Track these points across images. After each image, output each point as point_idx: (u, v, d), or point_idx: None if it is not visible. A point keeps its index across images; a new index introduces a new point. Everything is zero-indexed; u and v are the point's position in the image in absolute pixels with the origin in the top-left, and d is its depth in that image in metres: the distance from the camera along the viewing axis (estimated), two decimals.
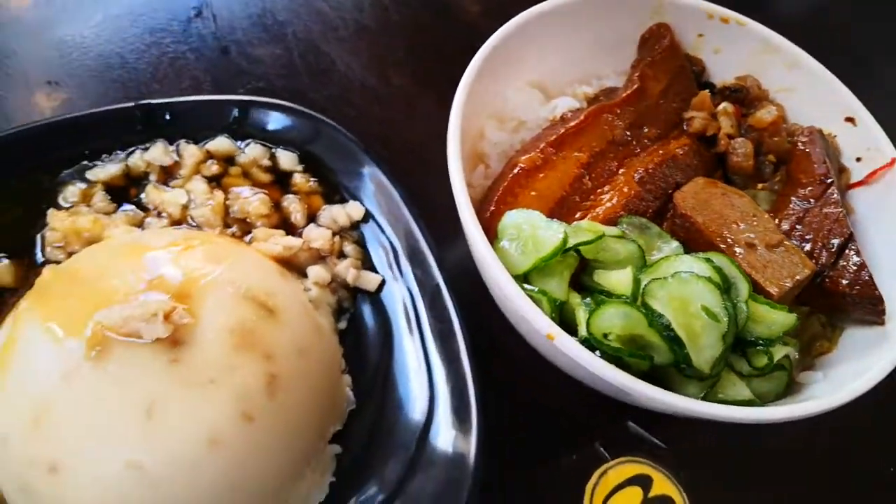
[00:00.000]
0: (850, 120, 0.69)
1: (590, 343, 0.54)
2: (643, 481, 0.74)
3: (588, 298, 0.57)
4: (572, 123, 0.65)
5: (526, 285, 0.56)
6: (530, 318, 0.53)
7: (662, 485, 0.74)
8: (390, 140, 0.84)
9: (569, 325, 0.57)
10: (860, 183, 0.69)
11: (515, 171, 0.63)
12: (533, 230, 0.57)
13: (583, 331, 0.55)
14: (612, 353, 0.54)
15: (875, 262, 0.65)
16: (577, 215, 0.62)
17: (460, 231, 0.75)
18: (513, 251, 0.58)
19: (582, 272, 0.60)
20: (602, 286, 0.57)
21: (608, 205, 0.62)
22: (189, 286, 0.60)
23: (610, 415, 0.76)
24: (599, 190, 0.64)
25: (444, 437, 0.67)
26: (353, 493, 0.65)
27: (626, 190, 0.63)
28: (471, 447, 0.65)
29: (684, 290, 0.54)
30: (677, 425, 0.76)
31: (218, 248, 0.66)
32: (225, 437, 0.57)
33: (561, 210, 0.62)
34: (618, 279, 0.56)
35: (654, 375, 0.56)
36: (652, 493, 0.73)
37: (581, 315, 0.55)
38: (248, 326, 0.61)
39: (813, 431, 0.77)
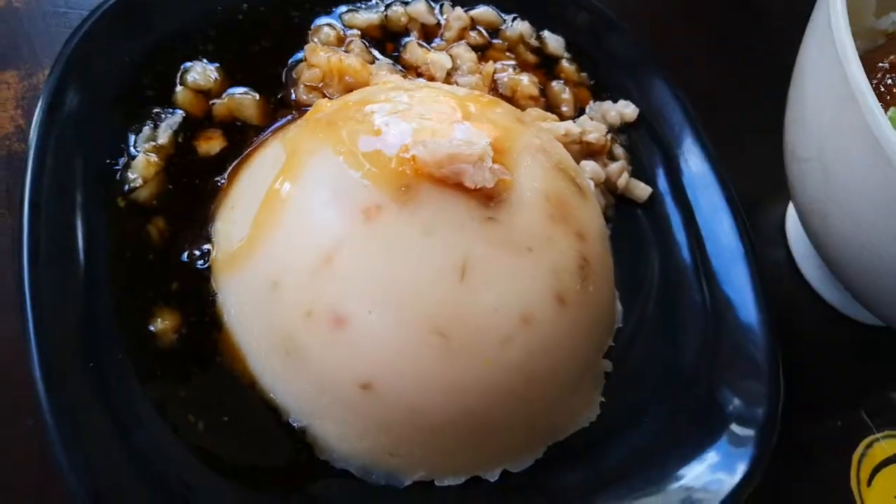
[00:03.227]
0: None
1: None
2: None
3: None
4: None
5: None
6: None
7: None
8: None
9: None
10: None
11: (884, 65, 0.55)
12: None
13: None
14: None
15: None
16: None
17: (748, 157, 0.67)
18: None
19: None
20: None
21: None
22: (503, 142, 0.51)
23: (877, 385, 0.68)
24: None
25: (728, 370, 0.58)
26: (624, 416, 0.56)
27: None
28: (763, 386, 0.56)
29: None
30: None
31: (518, 111, 0.57)
32: (537, 315, 0.48)
33: None
34: None
35: None
36: None
37: None
38: (564, 199, 0.52)
39: None
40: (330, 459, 0.50)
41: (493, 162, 0.48)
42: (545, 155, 0.53)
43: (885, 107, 0.53)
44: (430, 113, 0.51)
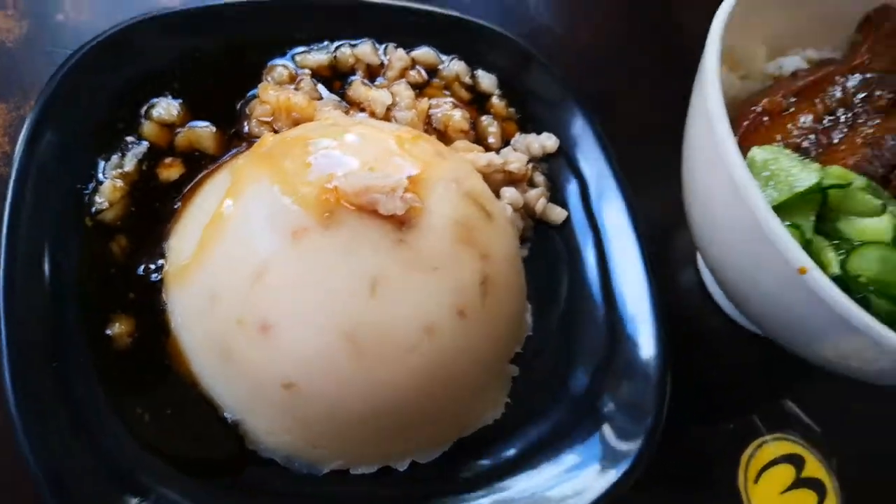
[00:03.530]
0: None
1: (841, 282, 0.53)
2: (796, 461, 0.72)
3: (836, 241, 0.56)
4: (810, 78, 0.65)
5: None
6: (784, 247, 0.51)
7: (814, 467, 0.72)
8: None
9: None
10: None
11: (755, 109, 0.62)
12: (787, 166, 0.56)
13: (834, 268, 0.54)
14: (861, 292, 0.53)
15: None
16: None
17: (649, 186, 0.75)
18: (763, 184, 0.56)
19: (818, 222, 0.59)
20: (845, 233, 0.56)
21: (842, 162, 0.61)
22: (420, 173, 0.59)
23: (769, 392, 0.75)
24: (832, 147, 0.63)
25: (623, 378, 0.65)
26: (527, 416, 0.64)
27: (857, 151, 0.62)
28: (651, 395, 0.64)
29: None
30: (834, 411, 0.75)
31: (440, 145, 0.65)
32: (439, 326, 0.56)
33: None
34: (873, 225, 0.55)
35: None
36: (804, 474, 0.72)
37: (830, 255, 0.54)
38: (471, 223, 0.59)
39: None
40: (257, 450, 0.57)
41: (408, 192, 0.56)
42: (457, 185, 0.61)
43: (752, 144, 0.60)
44: (356, 148, 0.60)
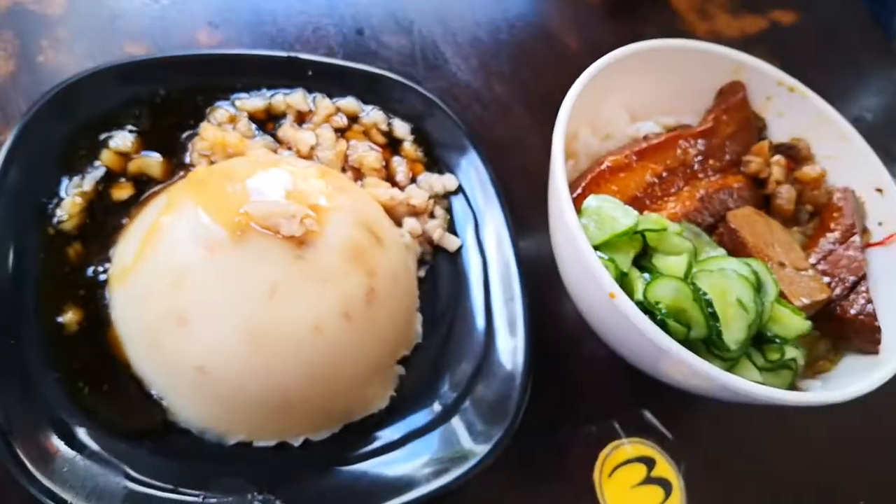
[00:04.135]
0: (879, 190, 0.82)
1: (643, 306, 0.66)
2: (648, 461, 0.84)
3: (646, 274, 0.69)
4: (655, 141, 0.79)
5: (598, 253, 0.68)
6: (598, 276, 0.65)
7: (664, 468, 0.84)
8: (482, 136, 0.97)
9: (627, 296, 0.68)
10: (879, 243, 0.81)
11: (602, 166, 0.76)
12: (611, 212, 0.70)
13: (639, 295, 0.67)
14: (660, 316, 0.65)
15: (882, 311, 0.77)
16: (645, 213, 0.74)
17: (530, 220, 0.88)
18: (591, 226, 0.70)
19: (642, 257, 0.72)
20: (658, 268, 0.69)
21: (672, 210, 0.75)
22: (320, 201, 0.72)
23: (631, 401, 0.87)
24: (666, 198, 0.77)
25: (493, 381, 0.78)
26: (409, 408, 0.76)
27: (688, 203, 0.76)
28: (514, 395, 0.76)
29: (725, 282, 0.66)
30: (686, 422, 0.87)
31: (345, 181, 0.79)
32: (326, 326, 0.69)
33: (632, 206, 0.74)
34: (674, 263, 0.68)
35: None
36: (654, 473, 0.84)
37: (639, 284, 0.67)
38: (361, 245, 0.73)
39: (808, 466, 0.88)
40: (177, 421, 0.70)
41: (308, 218, 0.70)
42: (354, 214, 0.74)
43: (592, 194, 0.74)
44: (269, 181, 0.73)
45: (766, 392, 0.64)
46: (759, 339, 0.70)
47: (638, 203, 0.76)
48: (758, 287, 0.68)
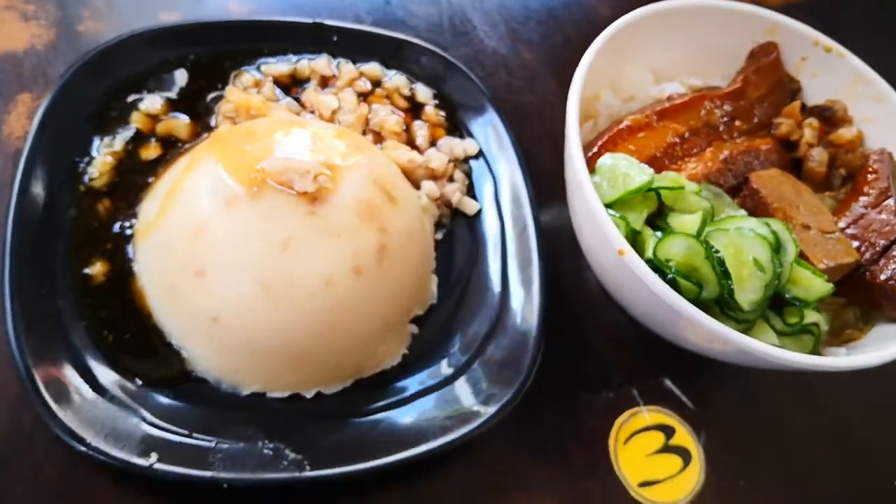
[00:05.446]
0: None
1: (653, 265, 0.64)
2: (667, 430, 0.83)
3: (659, 232, 0.67)
4: (678, 101, 0.77)
5: (610, 210, 0.67)
6: (608, 232, 0.64)
7: (683, 437, 0.83)
8: (508, 102, 0.96)
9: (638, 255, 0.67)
10: None
11: (622, 125, 0.74)
12: (626, 170, 0.68)
13: (649, 253, 0.65)
14: (669, 274, 0.64)
15: None
16: (663, 173, 0.73)
17: (555, 189, 0.87)
18: (605, 184, 0.69)
19: (658, 217, 0.70)
20: (672, 227, 0.68)
21: (692, 171, 0.73)
22: (336, 160, 0.73)
23: (651, 369, 0.86)
24: (687, 158, 0.75)
25: (505, 344, 0.78)
26: (420, 366, 0.77)
27: (710, 164, 0.74)
28: (526, 358, 0.76)
29: (741, 241, 0.64)
30: (708, 393, 0.85)
31: (362, 141, 0.80)
32: (337, 280, 0.70)
33: (651, 167, 0.73)
34: (688, 220, 0.66)
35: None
36: (672, 442, 0.82)
37: (651, 242, 0.66)
38: (374, 203, 0.74)
39: (834, 431, 0.85)
40: (194, 371, 0.72)
41: (321, 175, 0.71)
42: (368, 172, 0.75)
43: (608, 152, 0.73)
44: (287, 139, 0.75)
45: (780, 354, 0.62)
46: (779, 303, 0.68)
47: (657, 163, 0.74)
48: (777, 248, 0.66)
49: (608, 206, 0.68)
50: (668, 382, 0.85)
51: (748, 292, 0.64)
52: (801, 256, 0.67)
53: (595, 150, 0.73)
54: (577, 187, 0.67)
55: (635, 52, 0.81)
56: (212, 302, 0.70)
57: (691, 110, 0.77)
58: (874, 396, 0.86)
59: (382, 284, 0.73)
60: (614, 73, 0.80)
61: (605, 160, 0.70)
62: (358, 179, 0.74)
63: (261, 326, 0.70)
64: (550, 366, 0.81)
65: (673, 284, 0.64)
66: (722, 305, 0.65)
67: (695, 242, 0.64)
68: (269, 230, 0.69)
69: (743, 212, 0.71)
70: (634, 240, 0.68)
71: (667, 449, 0.82)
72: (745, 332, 0.65)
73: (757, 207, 0.71)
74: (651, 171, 0.69)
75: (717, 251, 0.64)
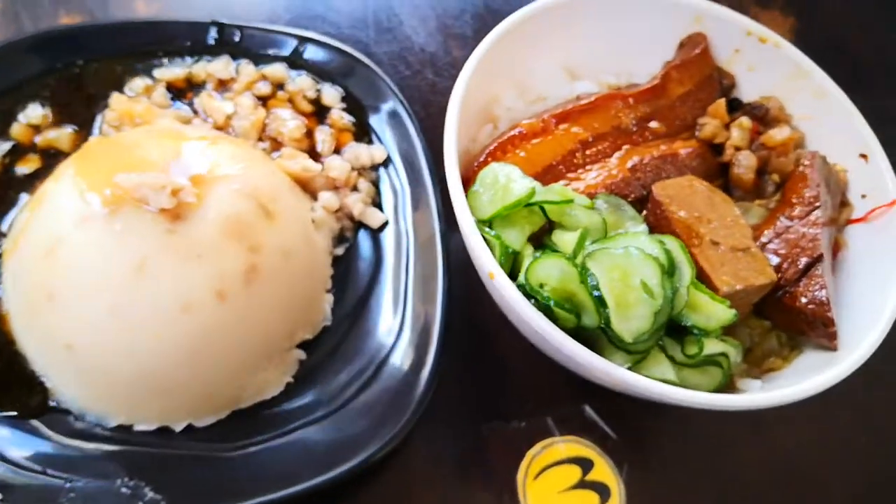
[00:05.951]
0: (863, 156, 0.69)
1: (525, 290, 0.57)
2: (584, 463, 0.75)
3: (538, 252, 0.60)
4: (583, 102, 0.69)
5: (487, 228, 0.60)
6: (478, 255, 0.57)
7: (603, 471, 0.75)
8: (432, 104, 0.90)
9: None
10: (860, 219, 0.68)
11: (513, 132, 0.67)
12: (507, 182, 0.61)
13: (521, 278, 0.58)
14: (542, 301, 0.57)
15: (856, 300, 0.65)
16: (560, 183, 0.65)
17: None
18: (483, 197, 0.62)
19: (548, 234, 0.63)
20: (554, 245, 0.60)
21: (591, 181, 0.65)
22: (203, 174, 0.68)
23: (570, 395, 0.78)
24: (590, 166, 0.67)
25: (401, 368, 0.71)
26: (307, 395, 0.71)
27: (614, 172, 0.66)
28: (421, 383, 0.69)
29: (628, 263, 0.57)
30: (632, 421, 0.77)
31: (239, 150, 0.74)
32: (197, 305, 0.64)
33: (546, 177, 0.66)
34: (567, 238, 0.59)
35: (586, 341, 0.58)
36: (589, 477, 0.75)
37: (525, 263, 0.59)
38: (245, 220, 0.68)
39: (775, 463, 0.77)
40: (58, 402, 0.68)
41: (183, 189, 0.65)
42: (241, 185, 0.69)
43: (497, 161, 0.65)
44: (154, 150, 0.69)
45: (665, 391, 0.55)
46: (678, 330, 0.60)
47: (553, 172, 0.67)
48: (671, 270, 0.58)
49: (488, 221, 0.61)
50: (587, 409, 0.78)
51: (633, 320, 0.56)
52: (701, 278, 0.59)
53: (482, 158, 0.66)
54: (453, 202, 0.61)
55: (545, 48, 0.73)
56: (64, 328, 0.65)
57: (598, 112, 0.69)
58: (819, 420, 0.77)
59: (252, 309, 0.67)
60: (520, 71, 0.73)
61: (488, 171, 0.63)
62: (228, 194, 0.68)
63: (116, 354, 0.65)
64: (455, 391, 0.75)
65: (548, 312, 0.57)
66: (608, 335, 0.58)
67: (568, 265, 0.57)
68: (124, 251, 0.64)
69: (644, 227, 0.63)
70: (515, 260, 0.61)
71: (582, 485, 0.75)
72: (638, 363, 0.58)
73: (659, 222, 0.63)
74: (533, 183, 0.61)
75: (591, 275, 0.56)
